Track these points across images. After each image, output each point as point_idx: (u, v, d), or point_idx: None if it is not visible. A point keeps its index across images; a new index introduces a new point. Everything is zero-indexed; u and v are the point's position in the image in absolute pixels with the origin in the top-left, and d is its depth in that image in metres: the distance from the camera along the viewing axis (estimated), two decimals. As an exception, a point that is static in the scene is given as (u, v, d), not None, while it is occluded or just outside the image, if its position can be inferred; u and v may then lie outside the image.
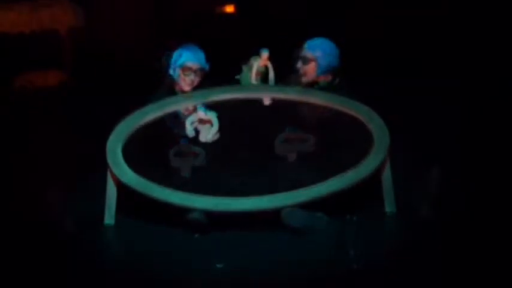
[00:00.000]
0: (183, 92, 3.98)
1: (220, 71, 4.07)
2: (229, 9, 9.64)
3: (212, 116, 3.84)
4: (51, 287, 3.23)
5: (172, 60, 3.94)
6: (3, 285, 3.22)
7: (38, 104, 6.71)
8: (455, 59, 7.28)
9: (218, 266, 3.30)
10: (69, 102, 6.80)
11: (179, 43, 4.03)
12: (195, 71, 3.92)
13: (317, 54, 4.00)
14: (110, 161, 3.66)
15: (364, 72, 6.49)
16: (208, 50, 3.99)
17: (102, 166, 3.72)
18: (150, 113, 3.96)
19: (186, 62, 3.89)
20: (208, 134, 3.84)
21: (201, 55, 3.96)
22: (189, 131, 3.87)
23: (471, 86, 6.38)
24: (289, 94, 4.03)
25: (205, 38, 8.06)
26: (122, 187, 3.64)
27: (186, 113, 3.96)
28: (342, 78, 4.07)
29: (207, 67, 3.96)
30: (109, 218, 3.77)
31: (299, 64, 4.02)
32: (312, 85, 4.05)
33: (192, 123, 3.87)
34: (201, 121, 3.88)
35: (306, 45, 4.05)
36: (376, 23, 8.58)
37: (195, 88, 3.98)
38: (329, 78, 4.05)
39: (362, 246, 3.44)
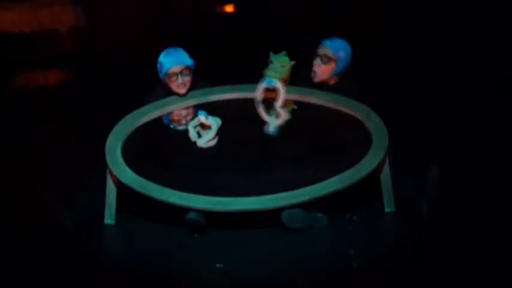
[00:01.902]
0: (180, 94, 4.00)
1: (220, 71, 4.08)
2: (229, 9, 9.64)
3: (212, 121, 3.83)
4: (51, 287, 3.24)
5: (158, 70, 3.97)
6: (3, 284, 3.22)
7: (38, 104, 6.71)
8: (455, 58, 7.28)
9: (218, 266, 3.30)
10: (69, 102, 6.79)
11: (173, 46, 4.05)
12: (181, 73, 3.93)
13: (340, 55, 3.94)
14: (109, 160, 3.67)
15: (364, 72, 6.50)
16: (208, 50, 3.99)
17: (102, 166, 3.73)
18: (149, 113, 3.98)
19: (168, 68, 3.91)
20: (202, 138, 3.83)
21: (182, 55, 3.96)
22: (193, 134, 3.87)
23: (471, 85, 6.38)
24: (289, 94, 4.04)
25: (205, 37, 8.08)
26: (121, 187, 3.64)
27: (175, 118, 3.98)
28: (349, 78, 4.05)
29: (191, 63, 3.97)
30: (109, 218, 3.77)
31: (317, 61, 3.98)
32: (321, 85, 4.04)
33: (194, 127, 3.88)
34: (203, 125, 3.87)
35: (326, 44, 3.98)
36: (376, 23, 8.58)
37: (190, 87, 4.00)
38: (337, 80, 4.03)
39: (362, 245, 3.45)
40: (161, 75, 3.97)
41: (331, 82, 4.03)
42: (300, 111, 3.98)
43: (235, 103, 4.08)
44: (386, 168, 3.71)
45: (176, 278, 3.25)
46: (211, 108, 3.96)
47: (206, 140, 3.84)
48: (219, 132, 3.87)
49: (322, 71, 3.97)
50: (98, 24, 9.21)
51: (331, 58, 3.93)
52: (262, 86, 3.81)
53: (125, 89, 5.97)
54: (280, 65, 3.88)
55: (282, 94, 3.84)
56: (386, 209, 3.77)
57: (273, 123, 3.86)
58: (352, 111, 3.88)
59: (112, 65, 8.22)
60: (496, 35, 7.50)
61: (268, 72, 3.87)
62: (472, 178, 4.25)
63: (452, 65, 7.07)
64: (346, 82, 4.01)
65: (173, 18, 9.25)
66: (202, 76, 4.12)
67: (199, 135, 3.89)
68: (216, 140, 3.86)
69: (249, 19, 9.17)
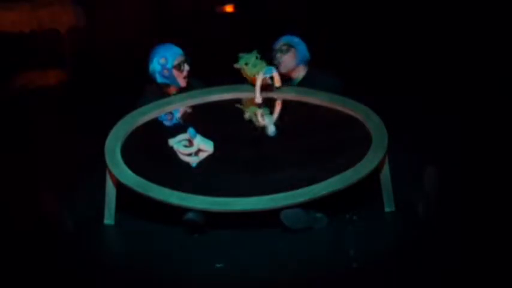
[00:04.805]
0: (180, 90, 4.01)
1: (219, 71, 4.08)
2: (229, 9, 9.64)
3: (196, 141, 3.78)
4: (51, 287, 3.24)
5: (159, 68, 3.97)
6: (2, 284, 3.22)
7: (38, 104, 6.71)
8: (455, 58, 7.27)
9: (218, 266, 3.30)
10: (69, 102, 6.79)
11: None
12: (185, 62, 4.00)
13: (295, 41, 4.18)
14: (108, 160, 3.67)
15: (364, 72, 6.50)
16: (208, 50, 4.01)
17: (102, 166, 3.73)
18: (149, 113, 3.98)
19: (175, 59, 3.95)
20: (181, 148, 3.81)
21: (175, 46, 4.05)
22: (174, 139, 3.82)
23: (471, 85, 6.37)
24: (289, 94, 4.05)
25: (205, 37, 8.08)
26: (121, 187, 3.64)
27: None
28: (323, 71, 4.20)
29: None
30: (109, 218, 3.77)
31: (278, 55, 4.16)
32: (290, 79, 4.11)
33: (180, 140, 3.81)
34: (189, 141, 3.82)
35: (279, 40, 4.22)
36: (376, 23, 8.57)
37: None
38: (305, 70, 4.17)
39: (361, 245, 3.45)
40: (164, 71, 3.96)
41: (299, 74, 4.17)
42: (299, 111, 3.98)
43: (234, 103, 4.08)
44: (386, 168, 3.71)
45: (176, 278, 3.25)
46: (211, 108, 3.97)
47: (180, 150, 3.79)
48: (217, 137, 3.83)
49: (286, 60, 4.15)
50: (98, 24, 9.20)
51: (289, 46, 4.16)
52: (261, 76, 3.94)
53: (124, 89, 5.97)
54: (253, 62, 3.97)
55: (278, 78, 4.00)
56: (386, 209, 3.77)
57: (271, 123, 3.95)
58: (351, 111, 3.88)
59: (112, 65, 8.21)
60: (498, 35, 7.49)
61: (250, 69, 3.94)
62: (472, 178, 4.25)
63: (452, 64, 7.07)
64: (319, 75, 4.15)
65: (173, 18, 9.24)
66: (202, 76, 4.12)
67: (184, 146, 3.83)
68: (195, 160, 3.79)
69: (249, 19, 9.17)
